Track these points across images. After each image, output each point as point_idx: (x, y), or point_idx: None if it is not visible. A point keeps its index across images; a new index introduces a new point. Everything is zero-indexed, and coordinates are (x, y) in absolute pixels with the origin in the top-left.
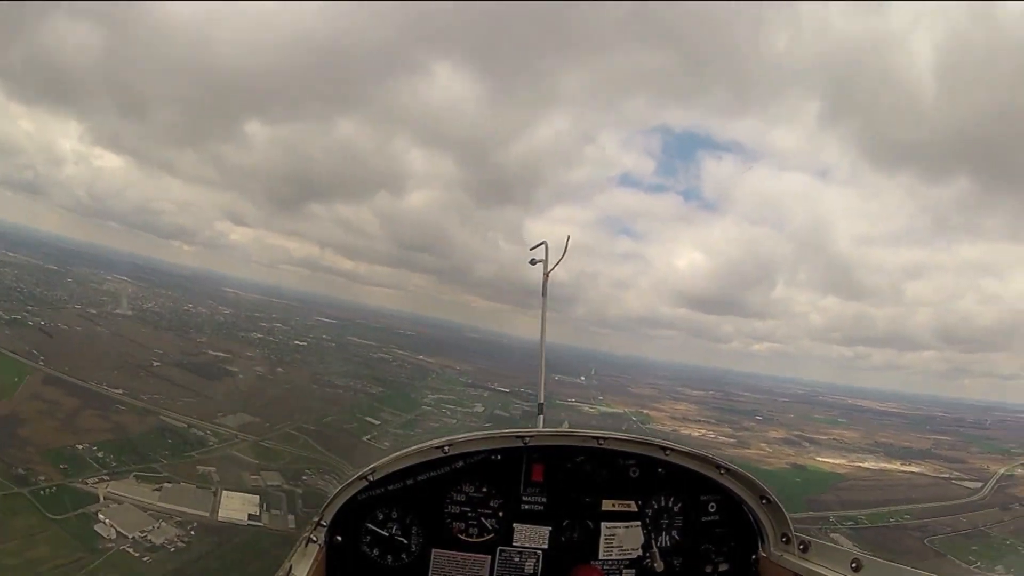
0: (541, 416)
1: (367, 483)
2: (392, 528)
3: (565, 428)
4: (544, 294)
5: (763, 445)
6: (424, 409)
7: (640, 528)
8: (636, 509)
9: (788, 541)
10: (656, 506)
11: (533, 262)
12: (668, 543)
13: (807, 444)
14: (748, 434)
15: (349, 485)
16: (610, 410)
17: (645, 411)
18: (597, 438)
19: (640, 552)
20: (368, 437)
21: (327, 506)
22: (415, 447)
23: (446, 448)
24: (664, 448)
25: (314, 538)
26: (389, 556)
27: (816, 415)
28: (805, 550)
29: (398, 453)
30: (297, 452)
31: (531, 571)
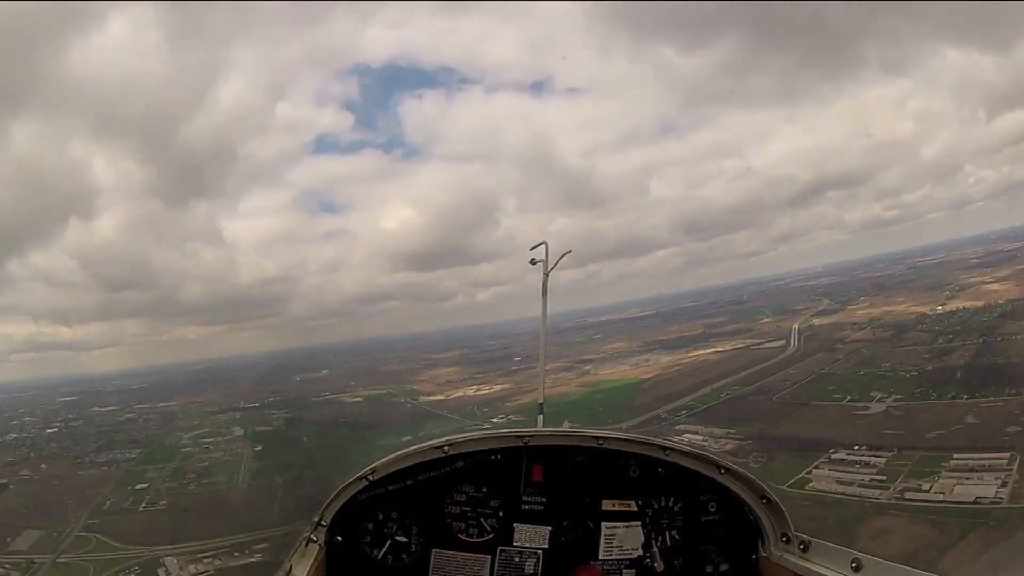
0: (541, 416)
1: (367, 483)
2: (392, 528)
3: (565, 428)
4: (544, 294)
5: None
6: (185, 451)
7: (640, 528)
8: (636, 509)
9: (788, 541)
10: (656, 506)
11: (533, 262)
12: (668, 543)
13: (584, 365)
14: (522, 376)
15: (349, 485)
16: (371, 393)
17: (410, 386)
18: (597, 438)
19: (640, 552)
20: (143, 505)
21: (327, 506)
22: (415, 447)
23: (446, 448)
24: (664, 448)
25: (314, 538)
26: (389, 556)
27: (574, 339)
28: (805, 550)
29: (398, 453)
30: (98, 557)
31: (531, 571)
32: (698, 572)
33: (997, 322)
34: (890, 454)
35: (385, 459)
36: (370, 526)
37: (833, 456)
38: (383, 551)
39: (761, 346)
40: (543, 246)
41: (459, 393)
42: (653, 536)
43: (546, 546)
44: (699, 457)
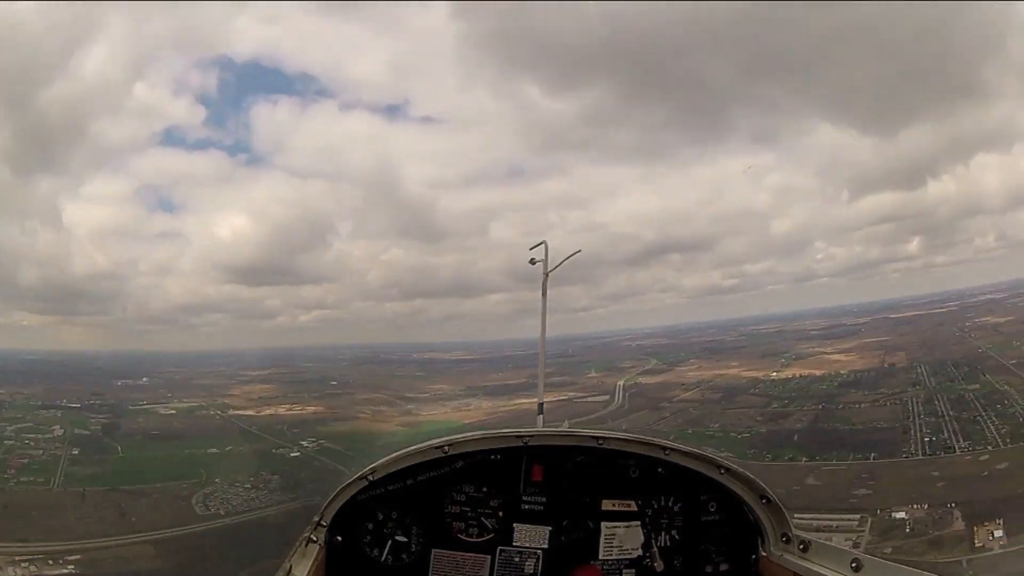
0: (541, 416)
1: (367, 483)
2: (392, 528)
3: (565, 428)
4: (544, 294)
5: (358, 408)
6: (8, 444)
7: (640, 528)
8: (636, 509)
9: (788, 541)
10: (656, 506)
11: (533, 262)
12: (668, 543)
13: (406, 403)
14: (336, 401)
15: (349, 485)
16: (185, 405)
17: (222, 399)
18: (597, 438)
19: (640, 552)
20: None
21: (327, 506)
22: (415, 447)
23: (446, 448)
24: (664, 448)
25: (314, 538)
26: (389, 556)
27: (397, 372)
28: (805, 550)
29: (398, 453)
30: None
31: (531, 571)
32: (698, 572)
33: (838, 391)
34: None
35: (385, 459)
36: (370, 526)
37: None
38: (383, 551)
39: (585, 399)
40: (543, 246)
41: (270, 411)
42: (653, 536)
43: (546, 546)
44: (699, 457)
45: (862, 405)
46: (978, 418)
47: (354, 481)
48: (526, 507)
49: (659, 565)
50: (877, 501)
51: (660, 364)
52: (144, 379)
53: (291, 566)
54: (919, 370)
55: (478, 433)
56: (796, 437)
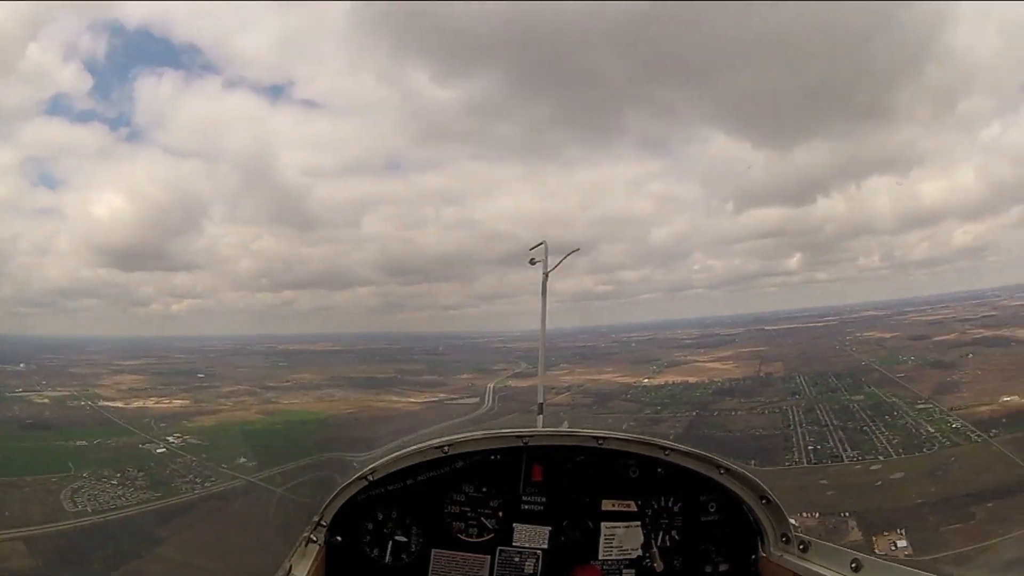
0: (541, 416)
1: (367, 483)
2: (392, 528)
3: (565, 428)
4: (544, 294)
5: (221, 400)
6: None
7: (640, 528)
8: (636, 509)
9: (788, 541)
10: (656, 506)
11: (533, 262)
12: (668, 543)
13: (267, 392)
14: (204, 394)
15: (349, 485)
16: (57, 394)
17: (93, 389)
18: (597, 438)
19: (640, 552)
20: None
21: (327, 506)
22: (415, 447)
23: (446, 448)
24: (664, 448)
25: (314, 538)
26: (389, 556)
27: (260, 364)
28: (805, 550)
29: (398, 453)
30: None
31: (531, 571)
32: (698, 572)
33: (712, 398)
34: None
35: (385, 459)
36: (370, 526)
37: None
38: (383, 551)
39: (455, 401)
40: (543, 246)
41: (139, 403)
42: (653, 536)
43: (546, 546)
44: (699, 457)
45: (739, 412)
46: (866, 428)
47: (354, 481)
48: (526, 507)
49: (659, 565)
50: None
51: (531, 367)
52: (21, 365)
53: (291, 566)
54: (798, 380)
55: (478, 433)
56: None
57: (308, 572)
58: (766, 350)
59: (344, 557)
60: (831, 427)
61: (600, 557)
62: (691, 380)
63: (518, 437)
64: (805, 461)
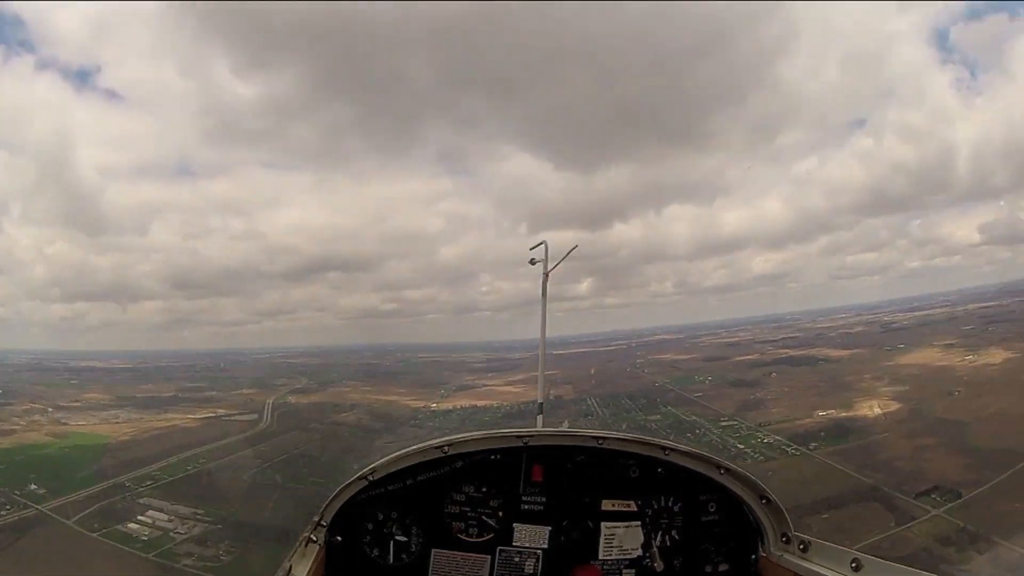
0: (541, 416)
1: (367, 483)
2: (392, 528)
3: (565, 428)
4: (544, 294)
5: (16, 420)
6: None
7: (640, 528)
8: (636, 509)
9: (788, 541)
10: (656, 506)
11: (533, 262)
12: (668, 543)
13: (56, 412)
14: None
15: (349, 485)
16: None
17: None
18: (597, 438)
19: (640, 552)
20: None
21: (327, 506)
22: (415, 447)
23: (446, 448)
24: (664, 448)
25: (314, 538)
26: (389, 556)
27: (53, 381)
28: (805, 550)
29: (398, 453)
30: None
31: (531, 571)
32: (698, 572)
33: (502, 421)
34: None
35: (385, 459)
36: (370, 526)
37: None
38: (383, 551)
39: (232, 417)
40: (543, 246)
41: None
42: (653, 536)
43: (546, 546)
44: (699, 457)
45: None
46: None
47: (354, 481)
48: (526, 507)
49: (659, 565)
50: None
51: (312, 383)
52: None
53: (291, 566)
54: (589, 402)
55: (478, 433)
56: None
57: (308, 572)
58: (556, 373)
59: (344, 557)
60: None
61: (600, 557)
62: (480, 404)
63: (518, 437)
64: None
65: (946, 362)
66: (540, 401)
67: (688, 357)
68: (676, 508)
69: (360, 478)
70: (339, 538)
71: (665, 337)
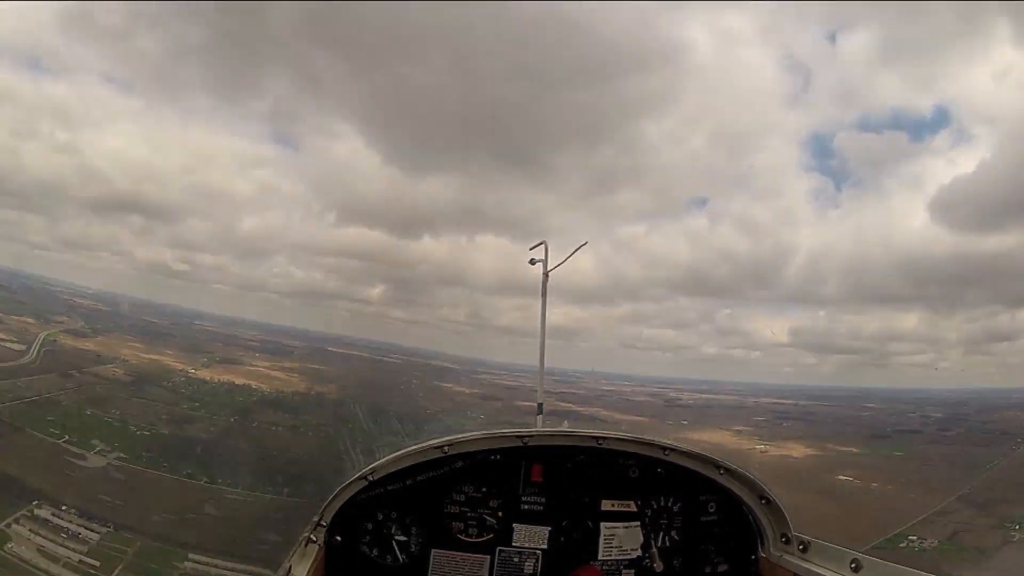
0: (540, 416)
1: (367, 483)
2: (392, 528)
3: (565, 428)
4: (544, 294)
5: None
6: None
7: (639, 528)
8: (635, 509)
9: (788, 541)
10: (655, 506)
11: (533, 262)
12: (667, 543)
13: None
14: None
15: (349, 485)
16: None
17: None
18: (597, 438)
19: (640, 552)
20: None
21: (327, 506)
22: (415, 447)
23: (446, 448)
24: (664, 448)
25: (314, 538)
26: (389, 556)
27: None
28: (805, 550)
29: (398, 453)
30: None
31: (530, 571)
32: (697, 572)
33: (255, 407)
34: (106, 530)
35: (385, 459)
36: (370, 526)
37: (37, 512)
38: (383, 551)
39: (3, 344)
40: (543, 245)
41: None
42: (652, 536)
43: (545, 546)
44: (699, 457)
45: (279, 429)
46: None
47: (354, 481)
48: (526, 507)
49: (659, 565)
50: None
51: (87, 328)
52: None
53: (291, 566)
54: (353, 408)
55: (478, 433)
56: (200, 449)
57: (308, 572)
58: (325, 370)
59: (344, 557)
60: None
61: (600, 557)
62: (238, 382)
63: (518, 437)
64: None
65: (742, 446)
66: (540, 401)
67: (466, 391)
68: (676, 508)
69: (360, 478)
70: (339, 538)
71: (446, 364)
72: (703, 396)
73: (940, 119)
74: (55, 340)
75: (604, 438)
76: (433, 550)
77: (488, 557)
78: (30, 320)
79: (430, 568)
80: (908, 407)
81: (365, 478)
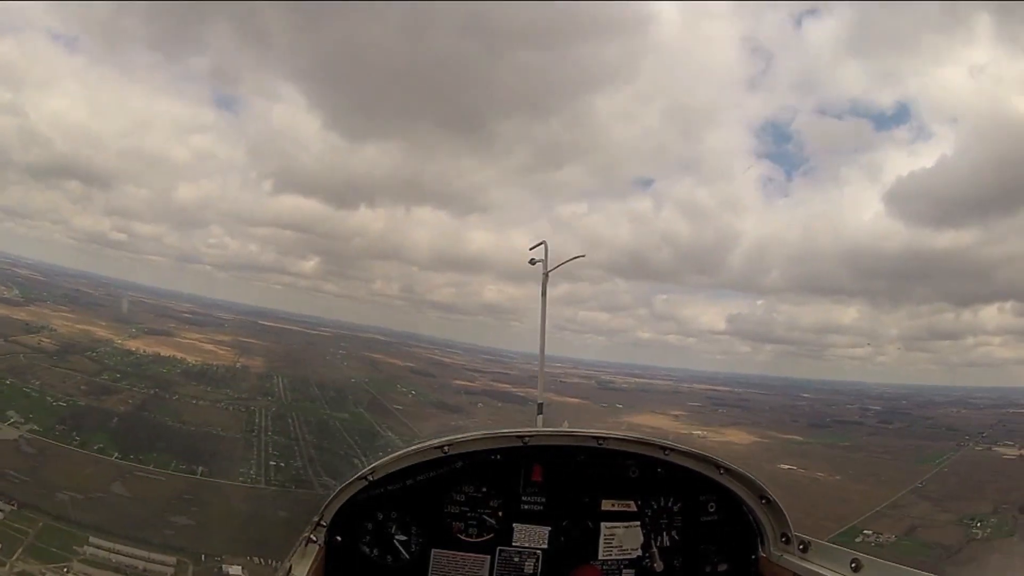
0: (541, 416)
1: (367, 483)
2: (392, 528)
3: (565, 428)
4: (544, 294)
5: None
6: None
7: (639, 528)
8: (635, 509)
9: (788, 541)
10: (655, 506)
11: (532, 262)
12: (667, 543)
13: None
14: None
15: (349, 485)
16: None
17: None
18: (597, 438)
19: (640, 552)
20: None
21: (327, 506)
22: (415, 447)
23: (446, 448)
24: (664, 448)
25: (314, 538)
26: (389, 556)
27: None
28: (805, 550)
29: (398, 453)
30: None
31: (531, 571)
32: (697, 572)
33: (179, 379)
34: (10, 508)
35: (385, 459)
36: (370, 526)
37: None
38: (383, 551)
39: None
40: (543, 246)
41: None
42: (652, 536)
43: (545, 546)
44: (699, 457)
45: (200, 402)
46: (349, 454)
47: (354, 481)
48: (526, 507)
49: (659, 565)
50: (201, 540)
51: (20, 297)
52: None
53: (291, 566)
54: (276, 379)
55: (478, 433)
56: (115, 421)
57: (308, 572)
58: (253, 343)
59: (344, 557)
60: (303, 443)
61: (600, 557)
62: (164, 353)
63: (518, 437)
64: (263, 479)
65: (680, 431)
66: (540, 401)
67: (396, 363)
68: (676, 508)
69: (360, 478)
70: (339, 538)
71: (377, 337)
72: (637, 380)
73: (903, 113)
74: None
75: (604, 438)
76: (433, 550)
77: (488, 557)
78: None
79: (430, 568)
80: (846, 399)
81: (365, 478)
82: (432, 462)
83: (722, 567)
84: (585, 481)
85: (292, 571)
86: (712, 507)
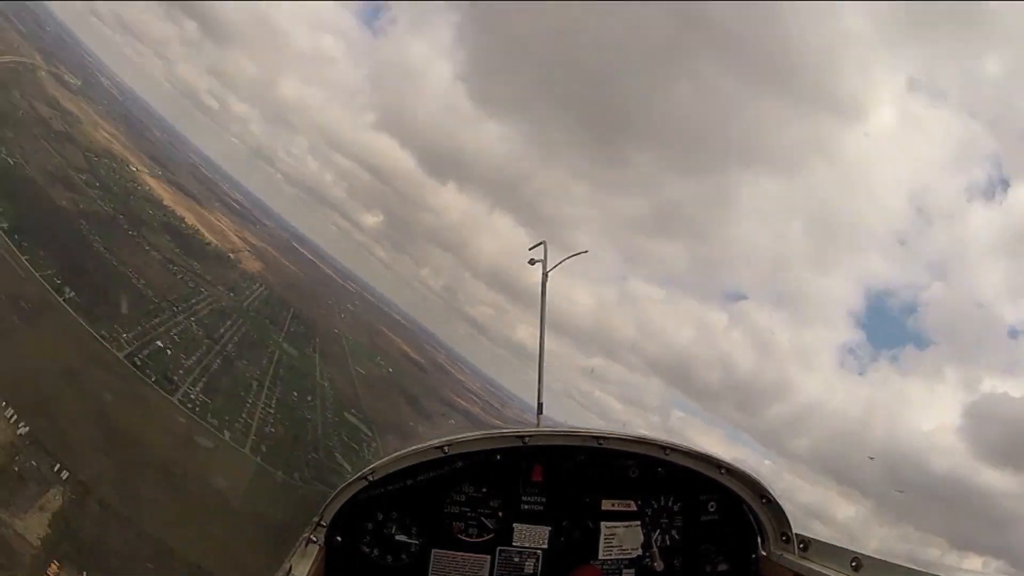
0: (540, 416)
1: (367, 483)
2: (392, 528)
3: (565, 428)
4: (543, 294)
5: None
6: None
7: (640, 528)
8: (636, 509)
9: (788, 540)
10: (656, 506)
11: (532, 262)
12: (668, 543)
13: None
14: None
15: (349, 485)
16: None
17: None
18: (597, 438)
19: (640, 552)
20: None
21: (327, 506)
22: (415, 447)
23: (446, 448)
24: (664, 448)
25: (314, 538)
26: (389, 556)
27: None
28: (805, 549)
29: (398, 453)
30: None
31: (531, 571)
32: (698, 572)
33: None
34: None
35: (385, 459)
36: (370, 526)
37: None
38: (383, 551)
39: None
40: (542, 246)
41: None
42: (653, 536)
43: (545, 546)
44: (699, 457)
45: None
46: (253, 379)
47: (354, 481)
48: (526, 507)
49: (659, 565)
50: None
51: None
52: None
53: (291, 566)
54: (256, 288)
55: (478, 433)
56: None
57: (308, 572)
58: (270, 252)
59: (344, 557)
60: (221, 342)
61: (600, 557)
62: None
63: (518, 437)
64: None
65: None
66: (540, 401)
67: (396, 342)
68: (676, 508)
69: (360, 478)
70: (339, 538)
71: (395, 316)
72: None
73: None
74: None
75: (605, 438)
76: (433, 550)
77: (488, 557)
78: None
79: (430, 568)
80: None
81: (365, 478)
82: (432, 462)
83: (722, 566)
84: (585, 481)
85: (292, 571)
86: (712, 506)
